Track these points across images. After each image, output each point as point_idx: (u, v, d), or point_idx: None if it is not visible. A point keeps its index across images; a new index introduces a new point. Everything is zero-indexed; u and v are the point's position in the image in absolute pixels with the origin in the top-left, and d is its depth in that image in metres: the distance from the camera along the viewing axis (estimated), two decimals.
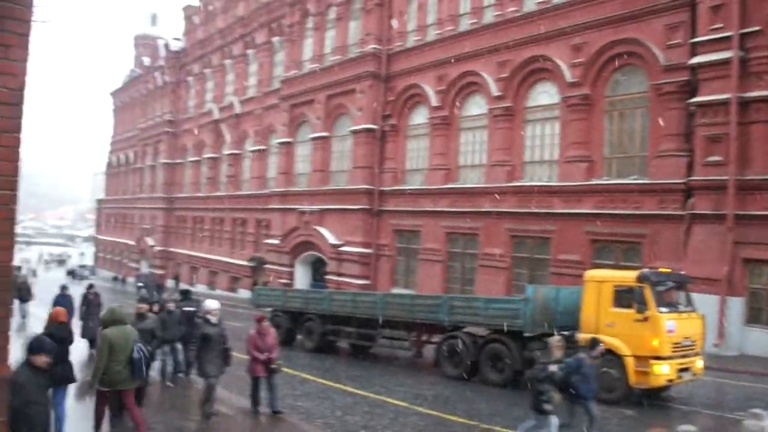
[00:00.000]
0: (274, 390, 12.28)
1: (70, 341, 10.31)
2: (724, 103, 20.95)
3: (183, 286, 43.52)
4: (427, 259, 31.14)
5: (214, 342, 11.47)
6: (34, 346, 6.37)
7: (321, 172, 37.56)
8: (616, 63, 24.39)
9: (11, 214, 4.25)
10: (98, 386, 9.36)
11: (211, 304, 12.09)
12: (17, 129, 4.25)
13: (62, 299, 18.59)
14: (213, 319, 11.78)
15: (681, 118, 22.48)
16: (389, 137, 33.83)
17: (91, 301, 18.51)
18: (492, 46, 28.48)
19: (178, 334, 15.41)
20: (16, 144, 4.24)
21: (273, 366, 12.22)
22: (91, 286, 19.67)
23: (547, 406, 9.65)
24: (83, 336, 17.50)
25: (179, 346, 15.62)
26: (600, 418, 10.74)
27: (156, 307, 15.45)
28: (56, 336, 9.14)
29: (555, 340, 10.58)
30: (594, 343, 11.30)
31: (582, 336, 15.81)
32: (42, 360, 6.15)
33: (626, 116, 24.44)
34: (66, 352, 9.84)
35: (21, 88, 4.25)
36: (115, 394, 9.41)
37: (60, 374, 9.20)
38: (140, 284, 48.56)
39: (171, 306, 15.83)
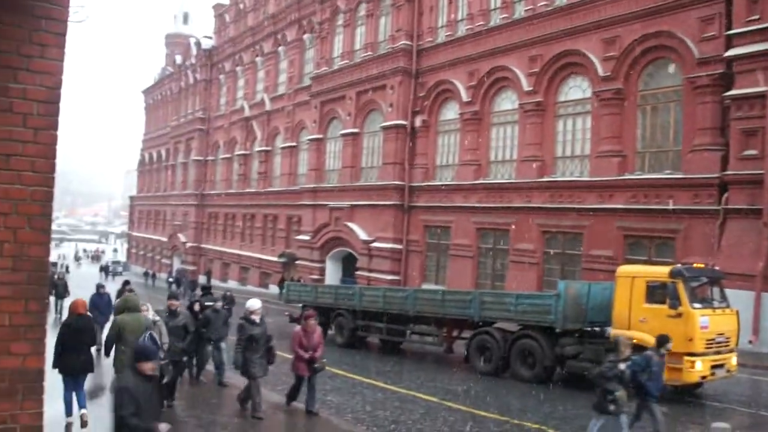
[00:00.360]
0: (313, 390, 12.00)
1: (89, 332, 10.57)
2: (761, 96, 20.60)
3: (205, 281, 43.98)
4: (457, 254, 31.09)
5: (260, 342, 11.34)
6: (140, 353, 6.23)
7: (351, 168, 37.65)
8: (649, 57, 24.14)
9: (47, 210, 4.34)
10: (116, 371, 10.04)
11: (254, 304, 11.81)
12: (54, 126, 4.33)
13: (99, 299, 18.82)
14: (256, 318, 11.58)
15: (716, 112, 22.18)
16: (420, 133, 33.80)
17: None
18: (523, 40, 28.33)
19: (224, 333, 15.06)
20: (52, 141, 4.32)
21: (317, 365, 11.86)
22: (126, 283, 19.95)
23: (612, 407, 9.32)
24: None
25: (223, 345, 14.93)
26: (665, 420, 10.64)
27: (197, 306, 15.02)
28: (74, 326, 10.00)
29: (624, 337, 10.19)
30: (663, 340, 11.12)
31: (614, 332, 15.72)
32: (149, 366, 6.09)
33: (659, 110, 24.18)
34: (84, 343, 10.26)
35: (57, 87, 4.32)
36: None
37: (79, 364, 9.88)
38: (171, 280, 49.08)
39: (218, 305, 15.52)
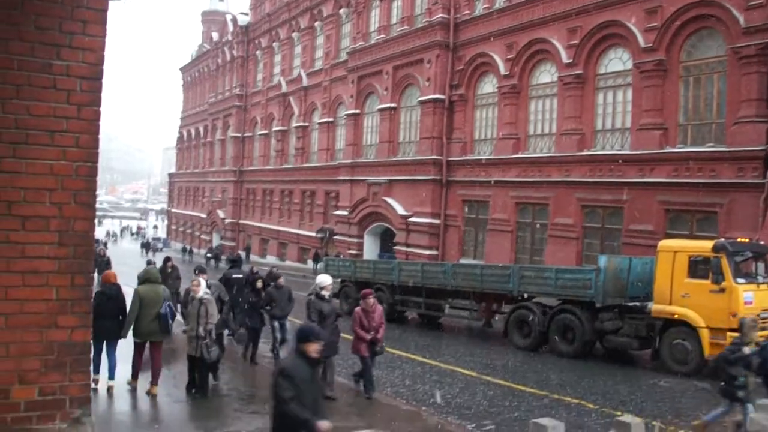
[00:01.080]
0: (371, 373, 11.67)
1: (120, 300, 10.98)
2: None
3: (244, 257, 44.39)
4: (495, 229, 30.93)
5: (329, 319, 11.04)
6: (303, 334, 5.94)
7: (389, 143, 37.56)
8: (692, 27, 23.59)
9: (92, 185, 4.40)
10: (135, 339, 10.85)
11: (325, 279, 11.47)
12: (97, 102, 4.38)
13: None
14: (326, 294, 11.30)
15: (761, 83, 21.61)
16: (457, 107, 33.56)
17: (169, 274, 18.78)
18: (562, 12, 27.84)
19: (288, 310, 14.73)
20: (95, 117, 4.37)
21: (377, 348, 11.52)
22: (168, 260, 20.14)
23: (741, 393, 8.73)
24: None
25: (287, 323, 14.71)
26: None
27: (259, 283, 14.59)
28: (107, 294, 10.69)
29: (749, 319, 9.49)
30: None
31: (655, 307, 15.59)
32: (313, 348, 5.74)
33: (702, 82, 23.67)
34: (116, 310, 10.79)
35: (100, 63, 4.36)
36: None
37: (110, 330, 10.47)
38: (209, 255, 49.76)
39: (281, 281, 14.91)
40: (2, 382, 4.15)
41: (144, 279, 11.15)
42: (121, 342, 10.95)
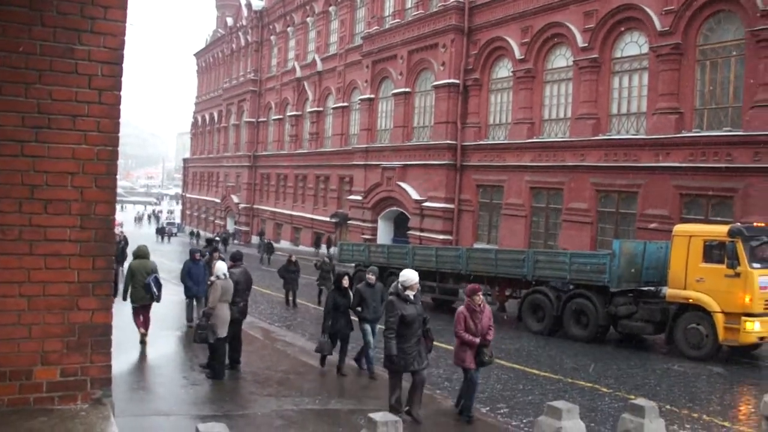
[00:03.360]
0: (474, 388, 9.62)
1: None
2: None
3: (260, 241, 44.55)
4: (510, 214, 30.91)
5: (415, 325, 8.94)
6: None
7: (403, 128, 37.53)
8: (709, 10, 23.37)
9: (113, 169, 4.45)
10: (132, 303, 13.16)
11: (411, 276, 9.20)
12: (117, 87, 4.41)
13: (195, 267, 16.09)
14: (411, 294, 9.09)
15: None
16: (472, 91, 33.46)
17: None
18: None
19: (381, 312, 11.63)
20: (116, 102, 4.41)
21: (486, 357, 9.36)
22: (209, 242, 20.52)
23: None
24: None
25: (378, 327, 11.84)
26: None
27: (346, 281, 12.16)
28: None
29: None
30: None
31: (669, 292, 15.57)
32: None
33: (719, 65, 23.48)
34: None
35: (120, 48, 4.40)
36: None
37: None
38: (217, 239, 50.21)
39: (371, 277, 12.52)
40: (25, 363, 4.22)
41: (136, 255, 13.52)
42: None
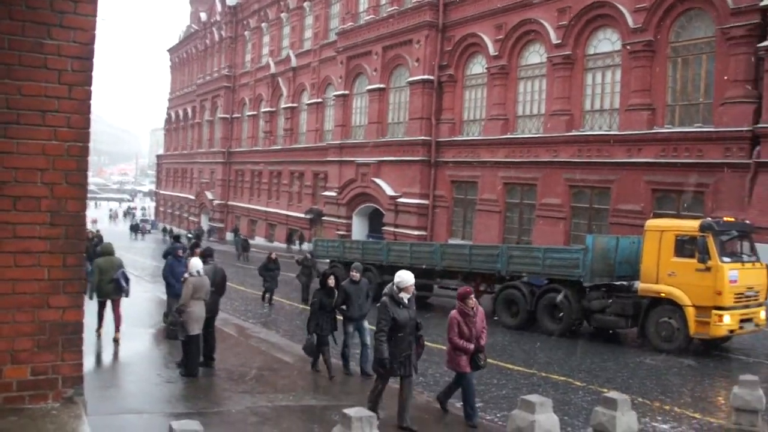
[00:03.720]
0: (472, 393, 9.27)
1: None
2: None
3: (235, 240, 44.35)
4: (484, 209, 31.03)
5: (406, 330, 8.56)
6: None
7: (378, 124, 37.51)
8: (681, 7, 23.62)
9: (83, 165, 4.40)
10: (98, 298, 13.36)
11: (406, 278, 8.76)
12: (88, 82, 4.36)
13: (178, 264, 15.16)
14: (406, 297, 8.67)
15: (749, 64, 21.72)
16: (446, 88, 33.53)
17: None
18: None
19: (366, 309, 12.05)
20: (87, 97, 4.37)
21: (481, 362, 9.17)
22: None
23: None
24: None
25: (366, 324, 12.03)
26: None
27: (332, 281, 11.85)
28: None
29: None
30: None
31: (641, 286, 15.73)
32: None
33: (691, 62, 23.75)
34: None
35: (91, 42, 4.35)
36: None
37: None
38: (189, 236, 50.11)
39: (356, 275, 12.16)
40: None
41: (102, 253, 14.03)
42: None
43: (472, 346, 8.99)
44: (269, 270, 21.56)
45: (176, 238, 21.15)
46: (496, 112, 30.48)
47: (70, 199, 4.32)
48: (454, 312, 9.26)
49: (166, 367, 11.39)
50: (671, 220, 17.65)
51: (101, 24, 4.44)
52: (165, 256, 18.29)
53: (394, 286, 8.70)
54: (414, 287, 8.85)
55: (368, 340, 11.60)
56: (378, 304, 8.83)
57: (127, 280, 13.57)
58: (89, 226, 50.00)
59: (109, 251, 13.96)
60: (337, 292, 11.83)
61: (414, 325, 8.72)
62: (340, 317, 12.06)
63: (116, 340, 13.05)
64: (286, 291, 23.18)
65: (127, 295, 13.66)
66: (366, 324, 11.99)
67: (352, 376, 11.51)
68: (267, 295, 21.64)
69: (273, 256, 22.25)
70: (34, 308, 4.26)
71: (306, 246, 40.53)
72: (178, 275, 14.43)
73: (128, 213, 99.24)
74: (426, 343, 10.67)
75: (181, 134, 77.41)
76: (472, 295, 9.31)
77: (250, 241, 45.08)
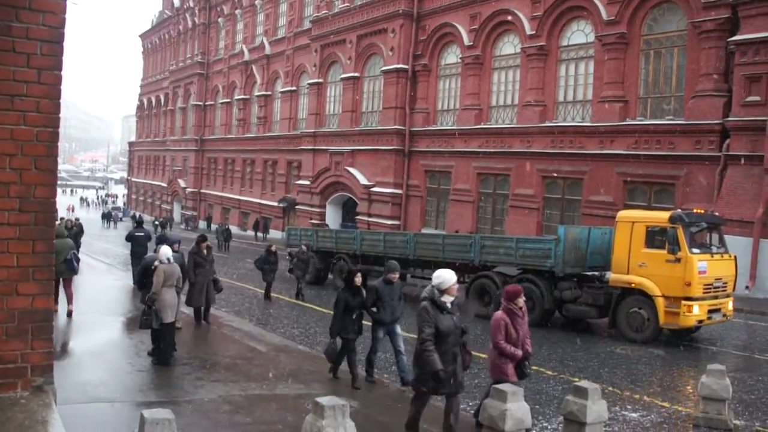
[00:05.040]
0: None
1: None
2: (766, 42, 20.43)
3: (214, 228, 44.06)
4: (457, 199, 31.14)
5: (451, 339, 7.23)
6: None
7: (352, 113, 37.44)
8: (654, 0, 23.82)
9: (53, 151, 4.34)
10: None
11: (447, 277, 7.39)
12: (58, 67, 4.30)
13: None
14: (449, 301, 7.34)
15: (720, 58, 22.00)
16: (420, 77, 33.54)
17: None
18: None
19: (399, 313, 10.66)
20: (56, 82, 4.30)
21: (527, 369, 8.15)
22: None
23: None
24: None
25: (398, 329, 10.72)
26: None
27: (358, 279, 10.46)
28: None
29: None
30: None
31: (612, 276, 15.87)
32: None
33: (663, 55, 23.96)
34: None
35: (61, 26, 4.28)
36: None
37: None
38: (156, 223, 50.07)
39: (393, 275, 10.63)
40: None
41: (56, 235, 14.00)
42: None
43: (520, 353, 7.83)
44: (269, 263, 20.03)
45: (139, 222, 21.51)
46: (470, 102, 30.55)
47: (39, 185, 4.26)
48: (500, 313, 7.94)
49: (137, 355, 11.30)
50: (642, 212, 17.81)
51: (72, 7, 4.35)
52: (128, 239, 19.55)
53: (434, 289, 7.38)
54: (456, 286, 7.49)
55: (402, 346, 10.53)
56: (418, 310, 7.41)
57: (77, 260, 14.37)
58: (66, 214, 49.53)
59: (61, 234, 14.20)
60: (365, 292, 10.52)
61: (459, 333, 7.42)
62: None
63: (70, 314, 13.88)
64: (276, 285, 22.67)
65: (76, 273, 14.58)
66: (398, 329, 10.79)
67: (375, 384, 10.92)
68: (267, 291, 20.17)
69: (273, 248, 20.62)
70: (3, 295, 4.21)
71: (271, 234, 40.11)
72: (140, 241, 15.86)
73: (102, 201, 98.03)
74: (399, 332, 10.69)
75: (153, 121, 76.69)
76: (521, 296, 8.04)
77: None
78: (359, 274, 10.60)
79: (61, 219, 25.82)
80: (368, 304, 10.39)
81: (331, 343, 10.34)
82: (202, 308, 14.48)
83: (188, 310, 14.54)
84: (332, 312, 10.57)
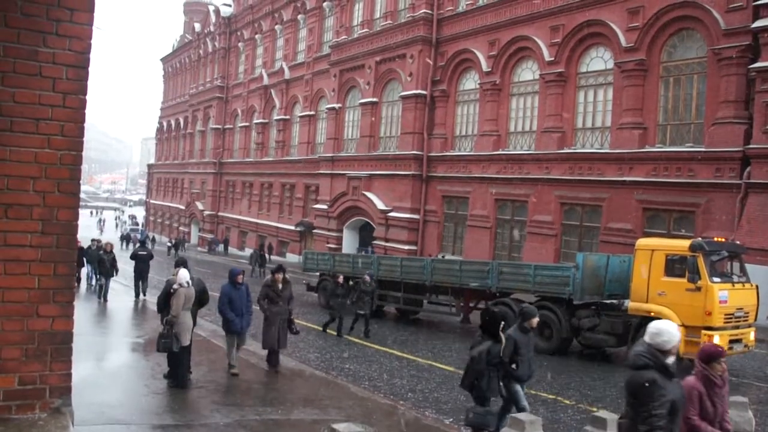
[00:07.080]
0: None
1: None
2: None
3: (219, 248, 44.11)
4: (475, 225, 31.08)
5: (677, 418, 5.15)
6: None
7: (370, 138, 37.58)
8: (673, 27, 23.82)
9: (76, 174, 4.37)
10: None
11: (672, 331, 5.15)
12: (83, 91, 4.33)
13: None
14: (671, 362, 5.09)
15: (740, 85, 21.91)
16: (439, 103, 33.65)
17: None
18: (545, 10, 27.99)
19: (535, 368, 9.45)
20: (81, 106, 4.34)
21: None
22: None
23: None
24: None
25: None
26: None
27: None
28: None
29: None
30: None
31: (631, 305, 15.73)
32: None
33: (682, 82, 23.91)
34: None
35: (86, 51, 4.32)
36: None
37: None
38: (169, 244, 50.56)
39: (532, 321, 9.14)
40: None
41: None
42: None
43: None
44: (338, 296, 18.33)
45: (142, 242, 24.72)
46: (489, 128, 30.58)
47: (62, 208, 4.28)
48: (692, 380, 5.86)
49: (153, 378, 11.30)
50: (662, 240, 17.68)
51: (97, 33, 4.40)
52: (132, 258, 22.16)
53: (653, 347, 5.12)
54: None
55: (526, 404, 8.95)
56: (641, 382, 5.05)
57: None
58: (100, 237, 49.83)
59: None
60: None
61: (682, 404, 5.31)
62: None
63: None
64: (311, 315, 21.45)
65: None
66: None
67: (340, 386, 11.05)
68: (333, 324, 18.30)
69: (340, 280, 19.29)
70: (24, 317, 4.20)
71: (287, 258, 39.90)
72: (238, 308, 11.83)
73: (128, 222, 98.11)
74: (415, 358, 10.66)
75: (172, 144, 77.32)
76: (724, 357, 6.03)
77: (239, 252, 44.77)
78: (503, 321, 8.54)
79: (93, 240, 26.01)
80: (506, 357, 8.51)
81: (484, 412, 8.07)
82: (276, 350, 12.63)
83: (262, 352, 13.13)
84: (464, 371, 8.59)
